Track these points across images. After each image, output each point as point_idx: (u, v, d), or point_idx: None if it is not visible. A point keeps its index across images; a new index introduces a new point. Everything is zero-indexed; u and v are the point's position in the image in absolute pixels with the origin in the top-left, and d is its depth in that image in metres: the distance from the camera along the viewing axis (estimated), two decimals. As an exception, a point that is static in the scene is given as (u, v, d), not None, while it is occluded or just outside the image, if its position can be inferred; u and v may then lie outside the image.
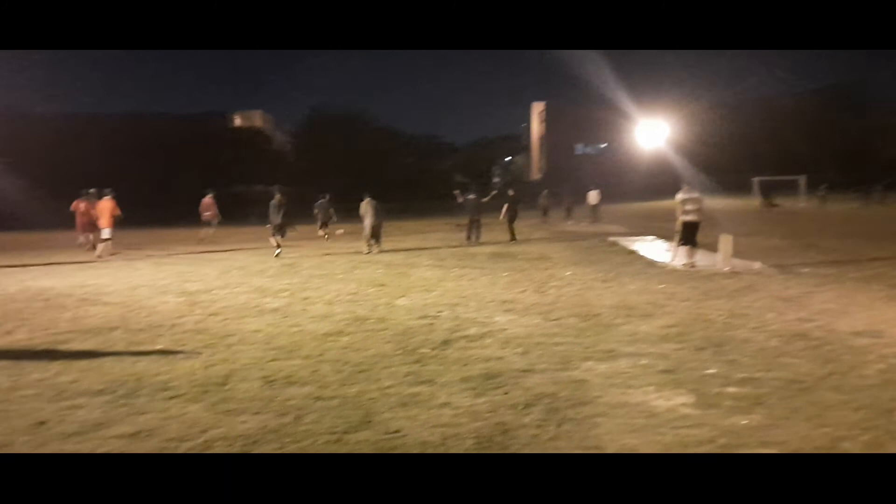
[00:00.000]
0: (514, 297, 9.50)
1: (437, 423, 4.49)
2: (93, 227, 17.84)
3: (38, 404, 5.08)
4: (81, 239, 18.60)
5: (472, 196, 19.41)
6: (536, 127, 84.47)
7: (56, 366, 6.18)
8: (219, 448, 4.13)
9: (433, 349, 6.56)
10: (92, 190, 18.35)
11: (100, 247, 16.84)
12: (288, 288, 10.87)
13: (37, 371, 6.01)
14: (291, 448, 4.10)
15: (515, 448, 4.05)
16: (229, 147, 54.56)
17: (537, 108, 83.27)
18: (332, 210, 21.54)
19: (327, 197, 21.66)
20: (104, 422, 4.66)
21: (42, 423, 4.66)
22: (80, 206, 18.45)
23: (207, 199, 22.01)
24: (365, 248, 16.79)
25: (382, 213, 17.21)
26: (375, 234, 16.94)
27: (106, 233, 16.77)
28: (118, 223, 17.09)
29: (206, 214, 21.90)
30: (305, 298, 9.79)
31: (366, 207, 16.88)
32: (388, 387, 5.33)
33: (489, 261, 14.33)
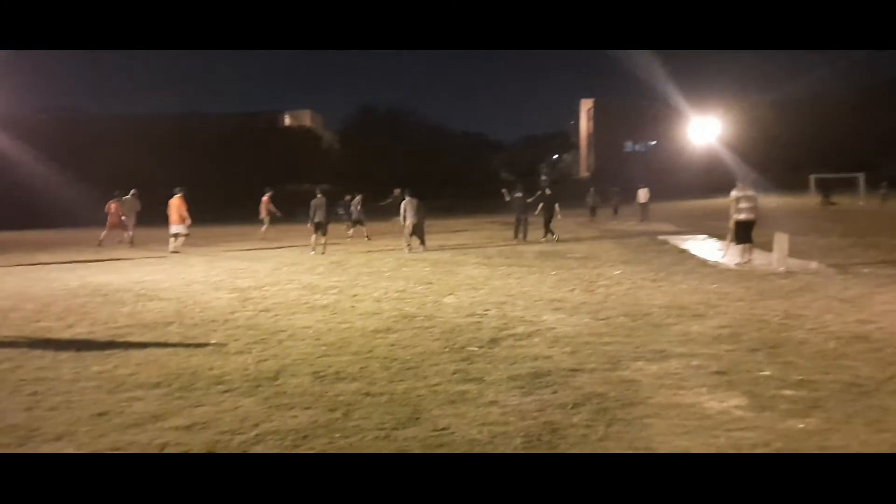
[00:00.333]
0: (562, 296, 9.43)
1: (485, 421, 4.48)
2: (122, 226, 19.67)
3: (99, 396, 5.25)
4: (102, 236, 19.75)
5: (518, 194, 19.37)
6: (585, 124, 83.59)
7: (115, 359, 6.38)
8: (271, 441, 4.20)
9: (481, 347, 6.56)
10: (117, 192, 20.06)
11: (172, 242, 17.36)
12: (337, 285, 11.00)
13: (97, 363, 6.21)
14: (341, 443, 4.15)
15: (564, 448, 4.02)
16: (279, 146, 55.45)
17: (586, 105, 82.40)
18: (354, 210, 21.42)
19: (358, 197, 21.66)
20: (161, 414, 4.79)
21: (102, 413, 4.81)
22: (111, 206, 19.72)
23: (265, 198, 22.39)
24: (405, 248, 16.58)
25: (423, 212, 17.00)
26: (418, 233, 16.76)
27: (174, 229, 17.28)
28: (185, 222, 17.49)
29: (265, 212, 22.25)
30: (354, 296, 9.89)
31: (406, 206, 16.70)
32: (436, 384, 5.35)
33: (537, 259, 14.25)
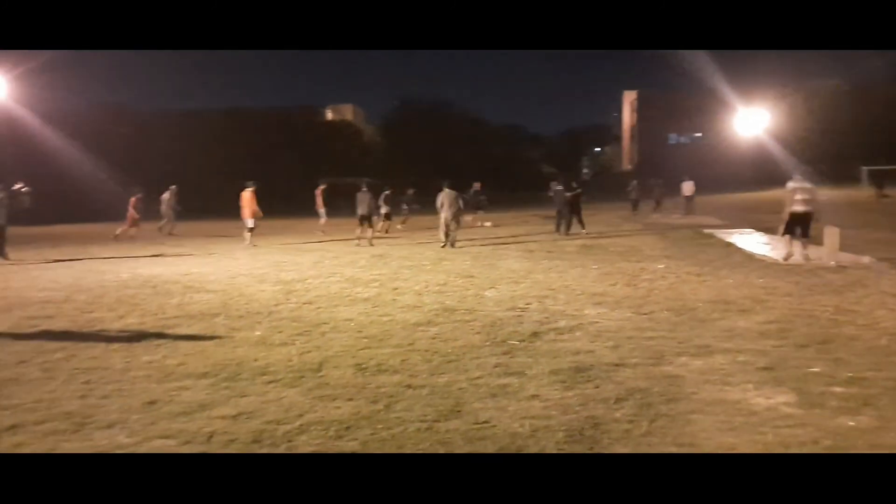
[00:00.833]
0: (604, 290, 9.35)
1: (527, 414, 4.48)
2: (135, 221, 19.91)
3: (149, 385, 5.40)
4: (118, 231, 20.02)
5: (559, 188, 19.26)
6: (628, 116, 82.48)
7: (164, 349, 6.54)
8: (314, 432, 4.27)
9: (522, 341, 6.55)
10: (135, 188, 20.40)
11: (246, 235, 17.67)
12: (378, 278, 11.08)
13: (147, 354, 6.38)
14: (383, 435, 4.19)
15: (606, 443, 4.00)
16: (321, 140, 56.00)
17: (629, 97, 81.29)
18: (386, 203, 21.27)
19: (389, 191, 21.55)
20: (208, 403, 4.90)
21: (152, 402, 4.94)
22: (131, 202, 20.08)
23: (318, 190, 22.52)
24: (442, 240, 16.16)
25: (460, 204, 16.36)
26: (454, 227, 16.03)
27: (249, 223, 17.58)
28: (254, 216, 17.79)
29: (321, 204, 22.35)
30: (395, 289, 9.95)
31: (443, 198, 16.09)
32: (478, 377, 5.36)
33: (578, 253, 14.14)
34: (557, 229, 18.95)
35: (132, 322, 7.90)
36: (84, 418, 4.61)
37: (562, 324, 7.28)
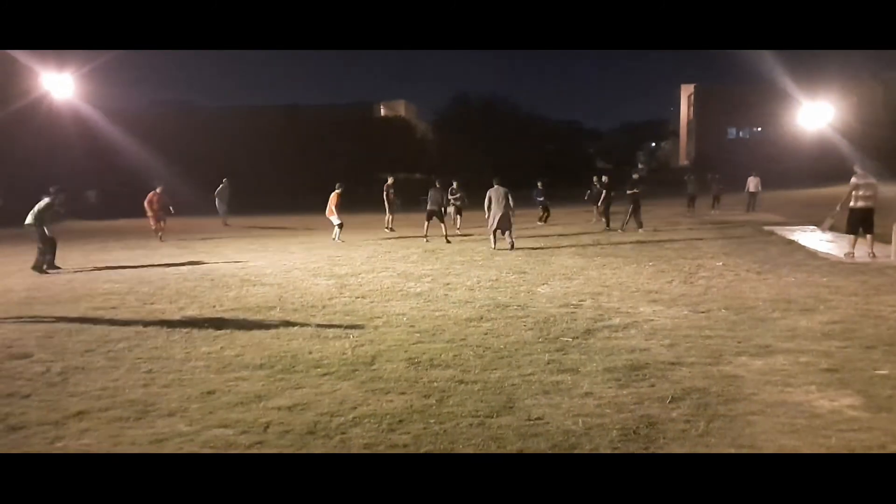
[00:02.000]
0: (659, 288, 9.17)
1: (580, 412, 4.43)
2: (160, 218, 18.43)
3: (207, 375, 5.53)
4: (159, 234, 18.84)
5: (605, 183, 19.26)
6: (685, 111, 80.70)
7: (222, 340, 6.70)
8: (368, 424, 4.31)
9: (575, 338, 6.48)
10: (158, 182, 19.13)
11: (335, 231, 17.95)
12: (430, 273, 11.11)
13: (205, 345, 6.54)
14: (436, 429, 4.20)
15: (661, 443, 3.92)
16: (374, 136, 56.45)
17: (686, 91, 79.49)
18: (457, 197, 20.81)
19: (438, 185, 21.17)
20: (264, 394, 4.99)
21: (211, 392, 5.07)
22: (152, 198, 18.66)
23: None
24: (492, 242, 14.74)
25: (510, 202, 14.55)
26: (504, 227, 14.48)
27: (335, 220, 17.82)
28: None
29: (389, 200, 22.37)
30: (447, 284, 9.96)
31: (493, 195, 14.58)
32: (530, 374, 5.32)
33: (633, 250, 13.91)
34: (608, 225, 18.87)
35: (191, 314, 8.11)
36: (146, 406, 4.75)
37: (616, 321, 7.17)
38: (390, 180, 22.26)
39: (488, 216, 14.66)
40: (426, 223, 16.88)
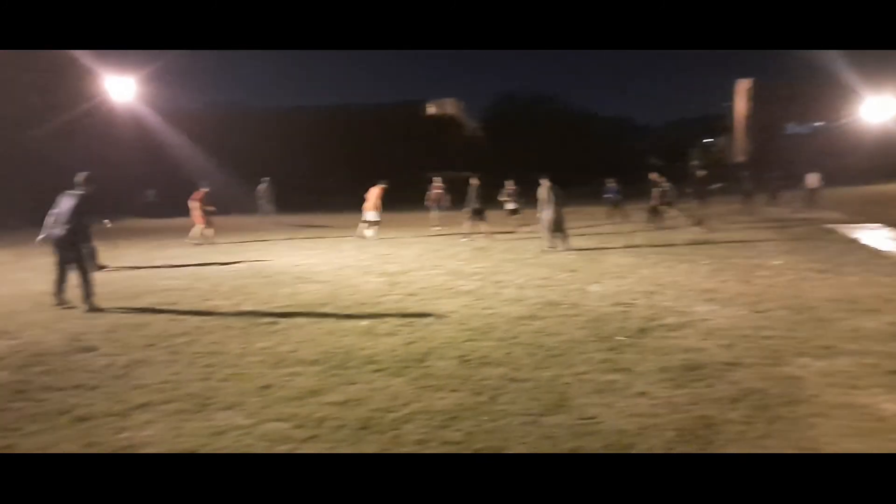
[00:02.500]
0: (715, 287, 8.98)
1: (635, 412, 4.37)
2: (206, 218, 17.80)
3: (263, 370, 5.64)
4: (201, 234, 18.11)
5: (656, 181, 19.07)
6: (741, 105, 78.70)
7: (277, 336, 6.82)
8: (420, 420, 4.33)
9: (629, 337, 6.39)
10: (203, 181, 18.51)
11: (368, 228, 18.15)
12: (480, 271, 11.11)
13: (261, 340, 6.67)
14: (488, 427, 4.20)
15: (720, 444, 3.84)
16: (422, 135, 56.69)
17: (743, 86, 77.46)
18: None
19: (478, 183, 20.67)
20: (319, 389, 5.07)
21: (267, 386, 5.17)
22: (199, 195, 18.10)
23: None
24: (546, 243, 14.06)
25: (563, 201, 14.07)
26: (558, 228, 13.96)
27: (370, 216, 18.00)
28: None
29: (433, 199, 22.49)
30: (497, 282, 9.94)
31: (545, 193, 14.06)
32: (583, 372, 5.28)
33: (688, 248, 13.65)
34: (652, 222, 18.89)
35: (247, 310, 8.28)
36: (206, 399, 4.88)
37: (670, 320, 7.05)
38: (436, 180, 22.38)
39: (541, 214, 14.28)
40: (469, 222, 16.86)
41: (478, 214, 16.77)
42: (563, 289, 9.20)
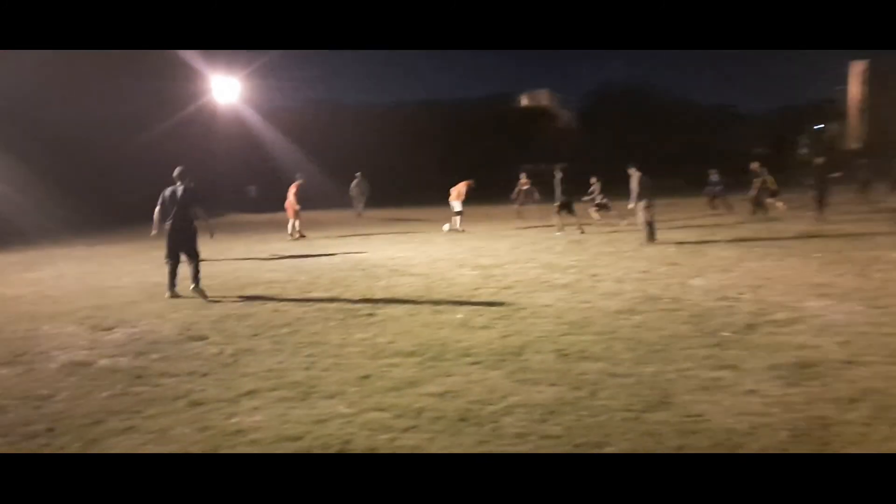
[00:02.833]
0: (829, 281, 8.48)
1: (744, 410, 4.18)
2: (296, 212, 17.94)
3: (362, 360, 5.76)
4: (291, 230, 18.26)
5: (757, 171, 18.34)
6: (855, 89, 73.99)
7: (375, 328, 6.95)
8: (519, 413, 4.30)
9: (735, 333, 6.13)
10: (298, 175, 18.88)
11: (455, 220, 18.48)
12: (576, 264, 10.94)
13: (360, 331, 6.82)
14: (588, 422, 4.12)
15: (838, 445, 3.62)
16: (516, 127, 56.34)
17: (857, 68, 72.82)
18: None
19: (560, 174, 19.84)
20: (416, 380, 5.13)
21: (367, 377, 5.27)
22: (294, 189, 18.26)
23: (522, 179, 22.59)
24: (645, 235, 13.48)
25: (652, 192, 13.48)
26: (651, 216, 13.46)
27: (457, 206, 18.28)
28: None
29: (519, 194, 22.44)
30: (594, 275, 9.76)
31: (641, 181, 13.49)
32: (687, 369, 5.10)
33: (798, 240, 12.96)
34: (754, 212, 18.24)
35: (345, 302, 8.47)
36: (309, 388, 5.03)
37: (780, 316, 6.71)
38: (523, 173, 22.23)
39: (635, 206, 13.73)
40: (557, 215, 16.54)
41: (565, 207, 16.46)
42: (664, 283, 8.92)
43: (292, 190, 18.00)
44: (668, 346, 5.78)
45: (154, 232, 9.36)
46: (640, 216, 13.77)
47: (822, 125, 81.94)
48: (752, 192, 18.71)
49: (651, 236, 13.45)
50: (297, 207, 17.93)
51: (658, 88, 64.00)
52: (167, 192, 9.14)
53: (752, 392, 4.52)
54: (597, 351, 5.72)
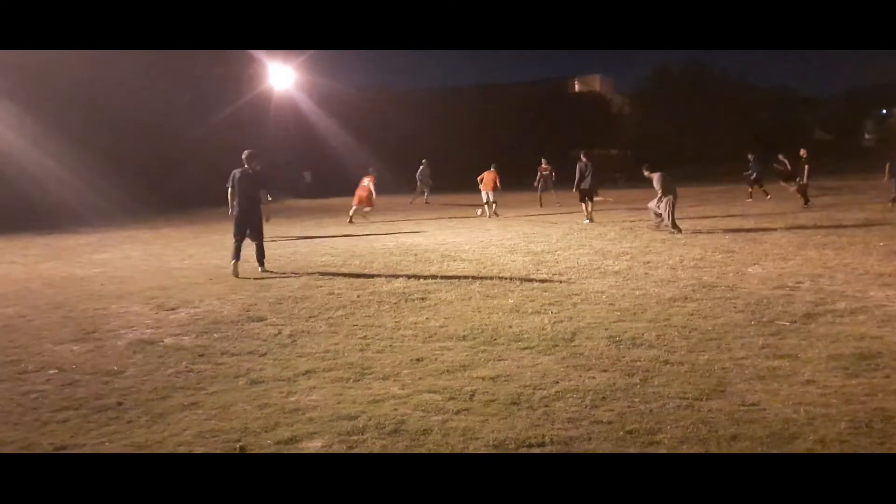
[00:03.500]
0: (893, 271, 8.21)
1: (802, 400, 4.12)
2: (368, 201, 18.27)
3: (415, 343, 5.86)
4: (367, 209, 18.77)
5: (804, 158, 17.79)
6: (925, 71, 70.68)
7: (427, 311, 7.05)
8: (571, 399, 4.33)
9: (793, 322, 6.01)
10: (371, 167, 19.41)
11: (484, 208, 18.74)
12: (629, 251, 10.83)
13: (412, 315, 6.92)
14: (641, 408, 4.12)
15: (900, 440, 3.54)
16: (568, 112, 55.68)
17: (928, 48, 69.57)
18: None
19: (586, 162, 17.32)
20: (469, 364, 5.19)
21: (420, 359, 5.36)
22: (365, 179, 18.66)
23: (543, 165, 22.41)
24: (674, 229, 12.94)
25: (672, 185, 13.20)
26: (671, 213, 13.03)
27: (490, 196, 18.44)
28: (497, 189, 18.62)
29: (542, 177, 22.34)
30: (647, 262, 9.66)
31: (665, 177, 13.25)
32: (742, 357, 5.04)
33: (860, 228, 12.55)
34: (806, 202, 17.49)
35: (398, 286, 8.58)
36: (363, 369, 5.15)
37: (841, 305, 6.55)
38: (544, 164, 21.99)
39: (660, 203, 13.19)
40: (584, 204, 16.13)
41: (585, 194, 16.05)
42: (719, 270, 8.78)
43: (370, 181, 18.38)
44: (723, 334, 5.71)
45: (231, 212, 9.90)
46: (663, 209, 13.19)
47: (886, 110, 78.55)
48: (803, 181, 17.97)
49: (674, 226, 12.97)
50: (374, 197, 18.43)
51: (715, 69, 62.17)
52: (236, 173, 9.77)
53: (810, 382, 4.45)
54: (650, 338, 5.69)
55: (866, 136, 76.21)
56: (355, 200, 18.36)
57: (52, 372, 5.36)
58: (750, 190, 20.64)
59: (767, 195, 20.21)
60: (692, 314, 6.48)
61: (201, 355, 5.72)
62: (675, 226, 13.02)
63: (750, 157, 20.89)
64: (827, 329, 5.73)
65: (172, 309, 7.61)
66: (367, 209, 18.39)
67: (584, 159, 16.39)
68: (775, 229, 12.92)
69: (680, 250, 10.67)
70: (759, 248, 10.61)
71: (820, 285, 7.57)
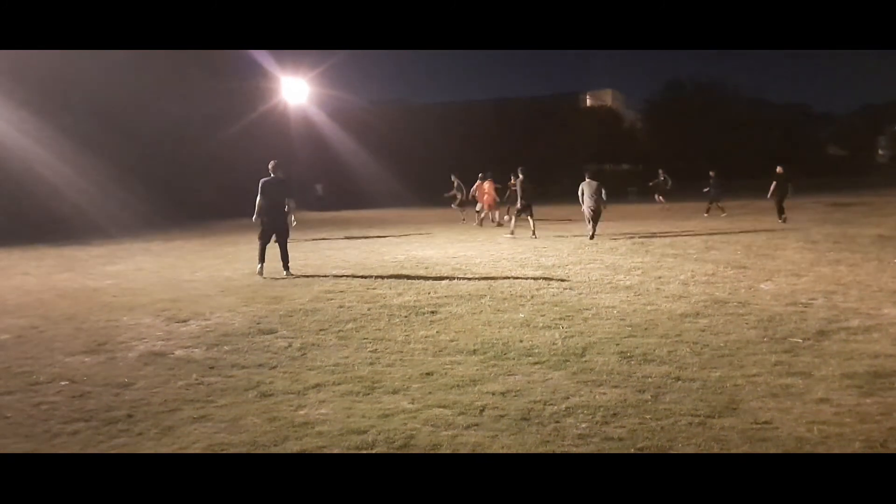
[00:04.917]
0: (909, 287, 8.14)
1: (815, 419, 4.07)
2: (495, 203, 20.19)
3: (425, 357, 5.85)
4: (492, 215, 20.65)
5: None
6: (940, 86, 70.35)
7: (437, 325, 7.03)
8: (581, 415, 4.30)
9: (806, 339, 5.96)
10: (485, 173, 20.64)
11: (504, 218, 19.12)
12: (640, 266, 10.79)
13: (423, 328, 6.91)
14: (652, 425, 4.09)
15: (916, 460, 3.49)
16: (580, 127, 55.75)
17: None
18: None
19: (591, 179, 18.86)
20: (479, 379, 5.17)
21: (429, 373, 5.35)
22: (482, 186, 20.35)
23: (512, 180, 22.53)
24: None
25: (604, 196, 15.59)
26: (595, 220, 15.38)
27: (477, 206, 18.74)
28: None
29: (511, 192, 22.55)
30: (659, 277, 9.61)
31: (585, 188, 15.52)
32: (755, 375, 4.99)
33: (874, 244, 12.45)
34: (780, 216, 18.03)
35: (409, 299, 8.58)
36: (373, 383, 5.14)
37: (854, 323, 6.48)
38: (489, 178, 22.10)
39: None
40: (514, 217, 16.91)
41: (524, 210, 16.68)
42: (731, 286, 8.73)
43: (489, 186, 19.94)
44: (735, 351, 5.66)
45: (256, 218, 10.58)
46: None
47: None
48: (768, 196, 18.74)
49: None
50: (497, 199, 20.09)
51: (729, 86, 62.20)
52: (263, 181, 10.51)
53: (823, 400, 4.40)
54: (661, 354, 5.65)
55: (880, 151, 75.90)
56: (486, 206, 19.87)
57: (63, 383, 5.38)
58: (708, 206, 21.44)
59: (723, 212, 21.07)
60: (704, 330, 6.44)
61: (211, 368, 5.73)
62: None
63: (711, 174, 21.44)
64: (840, 347, 5.68)
65: (183, 321, 7.64)
66: (488, 212, 19.87)
67: (588, 178, 16.11)
68: (788, 245, 12.84)
69: (691, 266, 10.62)
70: (771, 263, 10.55)
71: (833, 302, 7.50)
